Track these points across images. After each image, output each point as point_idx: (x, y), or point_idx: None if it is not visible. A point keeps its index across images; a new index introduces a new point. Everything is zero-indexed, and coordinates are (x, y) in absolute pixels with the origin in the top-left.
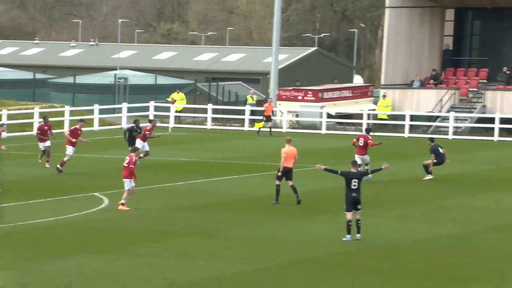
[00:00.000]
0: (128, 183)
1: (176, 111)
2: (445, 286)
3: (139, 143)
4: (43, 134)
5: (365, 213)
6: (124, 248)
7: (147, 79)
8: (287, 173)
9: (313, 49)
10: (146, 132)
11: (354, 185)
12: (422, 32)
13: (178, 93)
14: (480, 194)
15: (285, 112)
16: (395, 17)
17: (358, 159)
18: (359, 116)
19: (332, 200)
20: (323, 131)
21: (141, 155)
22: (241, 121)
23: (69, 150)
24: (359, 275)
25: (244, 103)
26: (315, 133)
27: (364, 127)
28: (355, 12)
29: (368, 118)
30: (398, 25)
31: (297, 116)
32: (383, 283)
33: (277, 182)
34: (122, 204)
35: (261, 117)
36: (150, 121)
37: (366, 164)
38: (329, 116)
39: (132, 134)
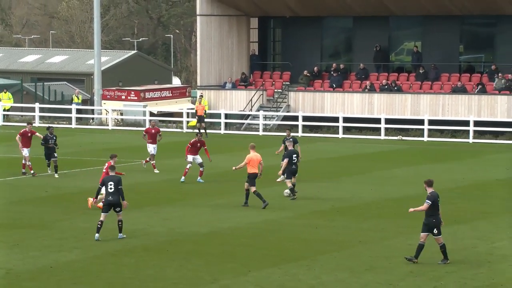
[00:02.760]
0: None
1: (4, 110)
2: (263, 266)
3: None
4: (149, 137)
5: (191, 204)
6: None
7: None
8: (252, 179)
9: (133, 52)
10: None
11: (111, 188)
12: (231, 38)
13: (5, 92)
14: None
15: (110, 111)
16: (206, 24)
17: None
18: (179, 114)
19: (158, 192)
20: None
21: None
22: (69, 119)
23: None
24: (186, 260)
25: (70, 102)
26: (140, 130)
27: (185, 124)
28: (169, 19)
29: (188, 117)
30: (209, 31)
31: (121, 114)
32: (209, 267)
33: (253, 189)
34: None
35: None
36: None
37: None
38: (152, 114)
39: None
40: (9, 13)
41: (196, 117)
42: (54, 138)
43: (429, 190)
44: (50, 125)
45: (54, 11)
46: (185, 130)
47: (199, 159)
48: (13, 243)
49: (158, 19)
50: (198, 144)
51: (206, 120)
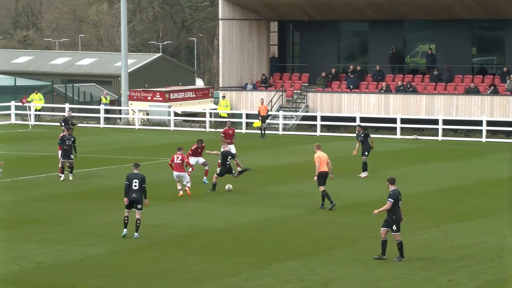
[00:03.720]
0: (186, 175)
1: (36, 110)
2: (281, 260)
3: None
4: (227, 138)
5: (210, 200)
6: None
7: (7, 81)
8: (322, 178)
9: (158, 55)
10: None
11: (135, 186)
12: (251, 41)
13: (36, 93)
14: (305, 182)
15: (136, 111)
16: (227, 28)
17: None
18: (203, 114)
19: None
20: (172, 127)
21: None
22: (97, 119)
23: None
24: (207, 254)
25: (99, 103)
26: (165, 129)
27: (208, 124)
28: (193, 23)
29: (210, 116)
30: (230, 35)
31: (147, 114)
32: (229, 260)
33: (321, 188)
34: (189, 188)
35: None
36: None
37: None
38: (176, 114)
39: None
40: (40, 17)
41: (260, 117)
42: (72, 139)
43: (391, 188)
44: (71, 126)
45: (83, 16)
46: (208, 129)
47: (201, 159)
48: (42, 237)
49: (182, 23)
50: (199, 150)
51: (228, 120)
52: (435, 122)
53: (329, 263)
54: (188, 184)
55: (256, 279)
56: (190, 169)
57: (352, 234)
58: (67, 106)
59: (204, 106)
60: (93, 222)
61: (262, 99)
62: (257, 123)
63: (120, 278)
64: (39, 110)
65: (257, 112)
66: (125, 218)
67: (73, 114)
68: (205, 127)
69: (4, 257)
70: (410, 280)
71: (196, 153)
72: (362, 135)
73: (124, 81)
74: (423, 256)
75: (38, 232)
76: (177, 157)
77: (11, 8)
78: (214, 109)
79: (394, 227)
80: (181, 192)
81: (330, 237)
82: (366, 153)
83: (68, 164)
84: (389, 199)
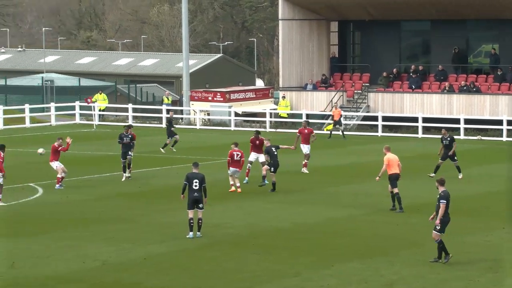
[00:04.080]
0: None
1: (100, 110)
2: (344, 260)
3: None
4: (303, 137)
5: (269, 200)
6: (57, 232)
7: (71, 81)
8: (394, 180)
9: (218, 55)
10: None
11: (195, 185)
12: (311, 41)
13: (100, 94)
14: (367, 182)
15: (198, 111)
16: (287, 28)
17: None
18: (263, 114)
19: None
20: (232, 127)
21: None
22: (159, 119)
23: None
24: (267, 253)
25: (161, 103)
26: (225, 129)
27: (268, 124)
28: (253, 24)
29: (271, 117)
30: (290, 35)
31: (208, 114)
32: (290, 260)
33: (395, 190)
34: (238, 187)
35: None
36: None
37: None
38: (237, 114)
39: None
40: (103, 18)
41: (333, 121)
42: (130, 136)
43: (441, 189)
44: (130, 124)
45: (145, 17)
46: (268, 129)
47: (262, 158)
48: (106, 236)
49: (242, 23)
50: (257, 142)
51: (287, 120)
52: (499, 122)
53: (393, 264)
54: (238, 184)
55: (318, 279)
56: (248, 166)
57: (416, 235)
58: (130, 106)
59: (264, 106)
60: (155, 221)
61: (336, 103)
62: (329, 126)
63: (182, 277)
64: (103, 110)
65: (330, 115)
66: (190, 221)
67: (138, 114)
68: (265, 127)
69: (69, 256)
70: (475, 282)
71: (256, 146)
72: (449, 138)
73: (185, 82)
74: (489, 258)
75: (102, 230)
76: (237, 154)
77: (74, 9)
78: (274, 109)
79: (438, 227)
80: (233, 188)
81: (394, 238)
82: (455, 157)
83: (127, 162)
84: (441, 201)
